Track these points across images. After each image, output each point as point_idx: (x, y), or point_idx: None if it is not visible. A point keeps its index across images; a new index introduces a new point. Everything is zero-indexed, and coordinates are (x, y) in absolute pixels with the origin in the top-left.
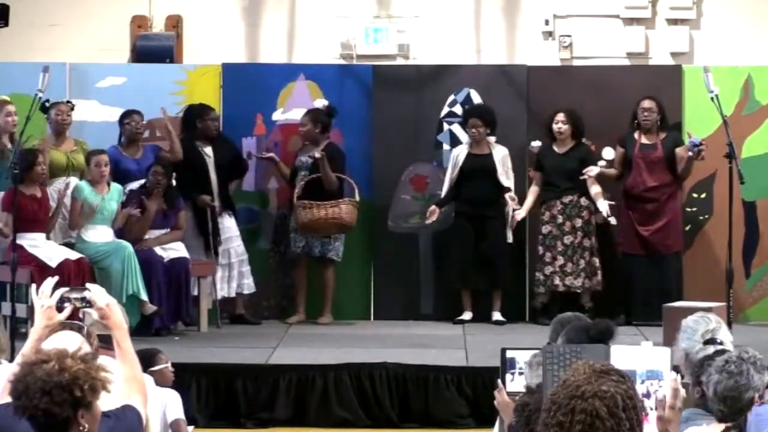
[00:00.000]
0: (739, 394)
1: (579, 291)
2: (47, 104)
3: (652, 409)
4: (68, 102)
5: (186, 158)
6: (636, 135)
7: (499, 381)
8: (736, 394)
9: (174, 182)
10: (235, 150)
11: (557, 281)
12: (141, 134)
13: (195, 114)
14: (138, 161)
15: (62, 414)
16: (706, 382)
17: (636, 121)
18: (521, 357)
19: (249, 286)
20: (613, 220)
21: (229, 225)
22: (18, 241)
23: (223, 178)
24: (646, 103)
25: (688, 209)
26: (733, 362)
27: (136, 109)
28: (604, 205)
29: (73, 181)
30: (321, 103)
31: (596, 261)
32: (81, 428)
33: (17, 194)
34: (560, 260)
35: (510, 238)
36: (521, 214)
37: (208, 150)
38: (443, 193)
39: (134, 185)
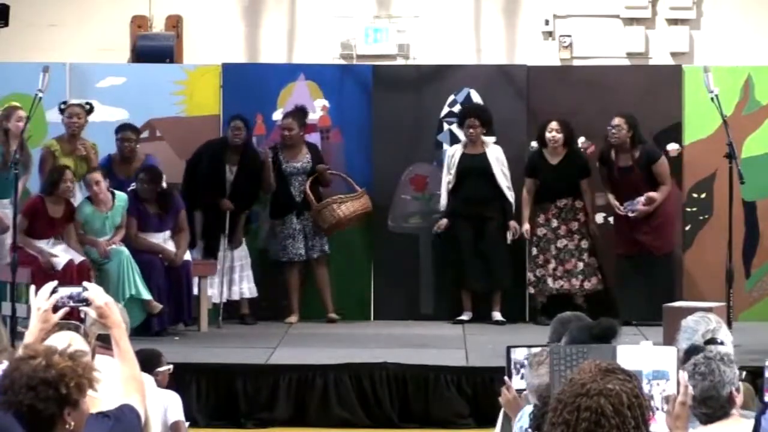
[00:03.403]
0: (717, 393)
1: (574, 293)
2: (62, 105)
3: (657, 409)
4: (87, 104)
5: (209, 170)
6: (613, 154)
7: (506, 378)
8: (714, 394)
9: (165, 185)
10: (257, 174)
11: (550, 284)
12: (131, 150)
13: (227, 121)
14: (125, 182)
15: (47, 410)
16: None
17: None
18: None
19: (251, 290)
20: (611, 220)
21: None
22: (21, 245)
23: (239, 199)
24: (615, 120)
25: (688, 209)
26: (701, 363)
27: (130, 124)
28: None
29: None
30: (321, 104)
31: (594, 261)
32: (67, 426)
33: (15, 200)
34: (552, 263)
35: (509, 239)
36: (525, 226)
37: (234, 168)
38: (442, 198)
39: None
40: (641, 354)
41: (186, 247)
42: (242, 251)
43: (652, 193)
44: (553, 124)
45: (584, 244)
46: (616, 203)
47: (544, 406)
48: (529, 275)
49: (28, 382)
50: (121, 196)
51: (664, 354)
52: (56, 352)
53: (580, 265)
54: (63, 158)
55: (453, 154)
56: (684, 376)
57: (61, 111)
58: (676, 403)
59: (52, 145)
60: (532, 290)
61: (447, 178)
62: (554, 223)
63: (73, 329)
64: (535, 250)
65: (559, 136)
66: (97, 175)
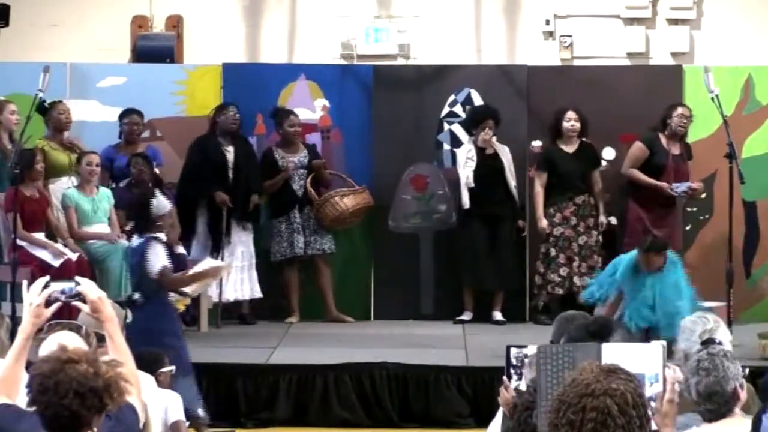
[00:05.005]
0: (722, 388)
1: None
2: (46, 104)
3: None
4: (60, 102)
5: (206, 154)
6: (664, 141)
7: (505, 378)
8: (718, 389)
9: (157, 171)
10: (253, 156)
11: (577, 282)
12: (139, 134)
13: (217, 110)
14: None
15: (88, 417)
16: (686, 388)
17: (667, 126)
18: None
19: (256, 291)
20: (613, 220)
21: (244, 232)
22: (19, 243)
23: (243, 180)
24: (683, 110)
25: (688, 209)
26: (705, 360)
27: (135, 109)
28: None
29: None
30: (321, 103)
31: (600, 258)
32: (89, 431)
33: (17, 194)
34: (576, 261)
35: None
36: (543, 222)
37: (230, 148)
38: (464, 196)
39: (122, 183)
40: (627, 351)
41: (176, 236)
42: (247, 252)
43: (700, 183)
44: (571, 114)
45: (597, 240)
46: (664, 184)
47: (524, 409)
48: (552, 276)
49: (78, 387)
50: (104, 189)
51: (650, 350)
52: (98, 359)
53: (599, 260)
54: (55, 153)
55: (469, 152)
56: (669, 373)
57: (44, 111)
58: (663, 401)
59: (41, 141)
60: (558, 291)
61: (465, 174)
62: (573, 220)
63: (74, 329)
64: (553, 251)
65: (578, 125)
66: (96, 157)
